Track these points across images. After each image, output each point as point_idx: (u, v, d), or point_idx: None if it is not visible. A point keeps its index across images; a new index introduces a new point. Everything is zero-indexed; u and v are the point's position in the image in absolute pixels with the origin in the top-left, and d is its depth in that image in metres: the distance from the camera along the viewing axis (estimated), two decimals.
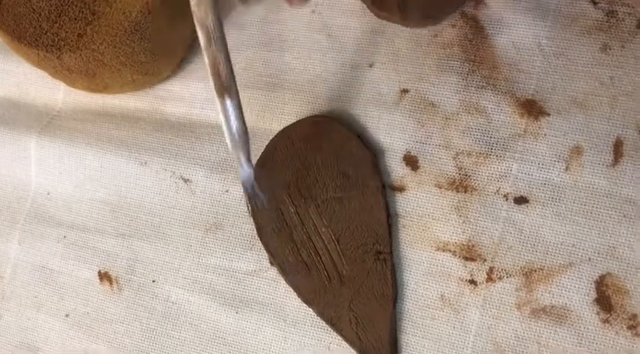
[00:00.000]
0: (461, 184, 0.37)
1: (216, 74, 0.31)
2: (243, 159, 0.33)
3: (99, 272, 0.42)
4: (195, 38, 0.43)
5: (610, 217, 0.35)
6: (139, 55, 0.39)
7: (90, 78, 0.40)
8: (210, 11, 0.29)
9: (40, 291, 0.43)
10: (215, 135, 0.42)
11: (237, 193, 0.41)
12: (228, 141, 0.32)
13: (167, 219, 0.42)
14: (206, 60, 0.31)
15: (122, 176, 0.43)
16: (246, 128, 0.32)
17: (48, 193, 0.44)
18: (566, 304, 0.35)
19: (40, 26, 0.37)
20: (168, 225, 0.42)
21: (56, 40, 0.37)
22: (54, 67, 0.39)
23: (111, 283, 0.42)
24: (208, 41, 0.30)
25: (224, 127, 0.32)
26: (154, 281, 0.41)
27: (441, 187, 0.38)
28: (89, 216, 0.43)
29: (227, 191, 0.41)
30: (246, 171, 0.33)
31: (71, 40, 0.37)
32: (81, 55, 0.37)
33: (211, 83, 0.31)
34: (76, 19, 0.37)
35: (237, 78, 0.42)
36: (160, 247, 0.41)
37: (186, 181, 0.42)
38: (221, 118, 0.32)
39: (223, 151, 0.42)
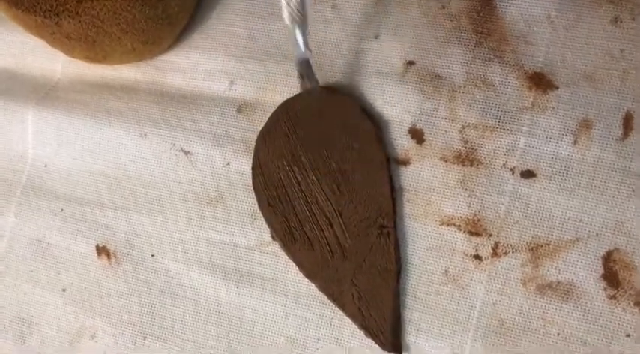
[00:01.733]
0: (467, 158, 0.37)
1: None
2: (300, 38, 0.32)
3: (97, 246, 0.41)
4: (197, 7, 0.42)
5: (618, 191, 0.35)
6: (139, 22, 0.38)
7: (89, 46, 0.39)
8: None
9: (36, 265, 0.42)
10: (216, 107, 0.41)
11: (239, 166, 0.40)
12: (286, 19, 0.31)
13: (167, 192, 0.41)
14: None
15: (121, 148, 0.42)
16: (305, 8, 0.31)
17: (45, 166, 0.44)
18: (572, 279, 0.34)
19: None
20: (168, 198, 0.41)
21: (55, 5, 0.36)
22: (52, 34, 0.38)
23: (109, 257, 0.41)
24: None
25: (283, 5, 0.31)
26: (152, 255, 0.40)
27: (446, 161, 0.37)
28: (87, 189, 0.42)
29: (228, 164, 0.40)
30: (302, 50, 0.32)
31: (70, 6, 0.36)
32: (80, 21, 0.36)
33: None
34: None
35: (241, 50, 0.42)
36: (159, 221, 0.41)
37: (186, 153, 0.41)
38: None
39: (225, 123, 0.41)
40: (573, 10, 0.37)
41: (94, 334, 0.40)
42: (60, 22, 0.37)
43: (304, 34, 0.32)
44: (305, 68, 0.33)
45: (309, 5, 0.32)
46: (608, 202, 0.35)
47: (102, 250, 0.41)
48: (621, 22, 0.36)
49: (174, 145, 0.41)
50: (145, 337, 0.39)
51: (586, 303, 0.34)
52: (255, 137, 0.39)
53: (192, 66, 0.42)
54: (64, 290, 0.41)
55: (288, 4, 0.31)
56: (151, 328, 0.39)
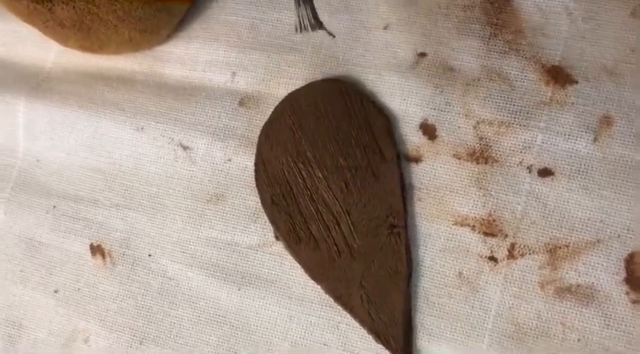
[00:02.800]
0: (481, 155, 0.35)
1: None
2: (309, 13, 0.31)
3: (91, 245, 0.39)
4: None
5: None
6: (136, 10, 0.36)
7: (84, 34, 0.37)
8: None
9: (26, 265, 0.40)
10: (217, 100, 0.39)
11: (241, 162, 0.38)
12: None
13: (165, 189, 0.39)
14: None
15: (117, 142, 0.40)
16: None
17: (37, 160, 0.41)
18: (593, 283, 0.33)
19: None
20: (166, 195, 0.39)
21: None
22: (45, 21, 0.36)
23: (103, 257, 0.39)
24: None
25: None
26: (149, 255, 0.38)
27: (460, 158, 0.35)
28: (81, 185, 0.40)
29: (230, 160, 0.38)
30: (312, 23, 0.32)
31: None
32: (74, 7, 0.35)
33: None
34: None
35: (244, 40, 0.40)
36: (156, 219, 0.39)
37: (185, 148, 0.39)
38: None
39: (226, 116, 0.39)
40: (592, 1, 0.35)
41: (88, 338, 0.38)
42: (53, 9, 0.35)
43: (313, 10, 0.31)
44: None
45: None
46: (630, 202, 0.33)
47: (96, 250, 0.39)
48: None
49: (172, 139, 0.39)
50: (141, 342, 0.37)
51: (607, 307, 0.32)
52: (258, 132, 0.38)
53: (192, 57, 0.40)
54: (55, 292, 0.39)
55: None
56: (148, 333, 0.37)
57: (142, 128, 0.40)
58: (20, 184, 0.41)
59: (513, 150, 0.35)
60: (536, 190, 0.34)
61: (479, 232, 0.34)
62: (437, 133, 0.36)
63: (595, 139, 0.34)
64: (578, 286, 0.33)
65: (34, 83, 0.42)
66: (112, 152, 0.40)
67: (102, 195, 0.40)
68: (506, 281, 0.34)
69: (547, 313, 0.33)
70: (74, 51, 0.41)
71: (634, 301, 0.32)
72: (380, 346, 0.34)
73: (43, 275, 0.40)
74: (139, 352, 0.37)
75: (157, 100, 0.40)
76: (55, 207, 0.41)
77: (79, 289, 0.39)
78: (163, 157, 0.39)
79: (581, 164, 0.34)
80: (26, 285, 0.40)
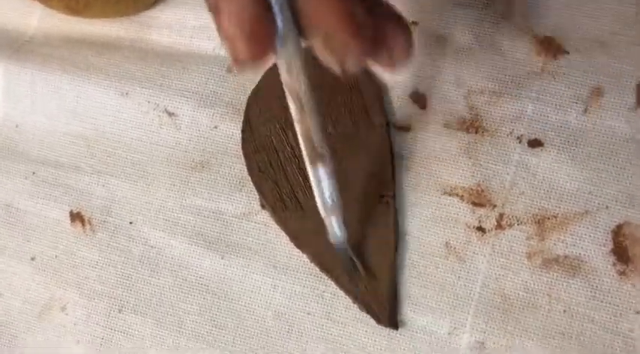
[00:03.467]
0: (472, 125, 0.35)
1: (309, 142, 0.28)
2: (335, 225, 0.32)
3: (70, 212, 0.38)
4: None
5: (630, 163, 0.33)
6: None
7: None
8: (302, 79, 0.26)
9: (3, 232, 0.39)
10: (205, 66, 0.38)
11: (227, 130, 0.37)
12: (320, 206, 0.31)
13: (148, 156, 0.38)
14: (298, 128, 0.28)
15: (100, 108, 0.39)
16: (338, 194, 0.31)
17: (17, 126, 0.40)
18: (580, 254, 0.32)
19: None
20: (150, 162, 0.38)
21: None
22: None
23: (83, 224, 0.38)
24: (301, 109, 0.27)
25: (316, 193, 0.30)
26: (131, 223, 0.38)
27: (450, 128, 0.35)
28: (62, 151, 0.39)
29: (216, 127, 0.38)
30: (340, 236, 0.32)
31: None
32: None
33: (303, 151, 0.29)
34: None
35: None
36: (139, 186, 0.38)
37: (170, 114, 0.38)
38: (313, 185, 0.30)
39: (213, 83, 0.38)
40: None
41: (65, 307, 0.37)
42: None
43: (340, 222, 0.32)
44: (344, 250, 0.33)
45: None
46: (619, 174, 0.33)
47: (76, 217, 0.38)
48: None
49: (157, 105, 0.38)
50: (119, 310, 0.37)
51: (594, 279, 0.32)
52: (246, 99, 0.37)
53: (179, 22, 0.40)
54: (32, 259, 0.38)
55: (322, 197, 0.31)
56: (127, 301, 0.37)
57: (126, 93, 0.39)
58: None
59: (504, 120, 0.34)
60: (526, 160, 0.34)
61: (467, 202, 0.34)
62: (427, 102, 0.35)
63: (585, 110, 0.34)
64: (566, 257, 0.33)
65: (15, 47, 0.41)
66: (95, 118, 0.39)
67: (83, 161, 0.39)
68: (494, 252, 0.33)
69: (534, 284, 0.33)
70: (58, 15, 0.40)
71: (620, 273, 0.32)
72: (365, 315, 0.34)
73: (20, 242, 0.39)
74: (118, 320, 0.36)
75: (143, 66, 0.39)
76: (34, 173, 0.39)
77: (56, 256, 0.38)
78: (148, 124, 0.38)
79: (570, 135, 0.34)
80: (2, 252, 0.39)
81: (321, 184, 0.30)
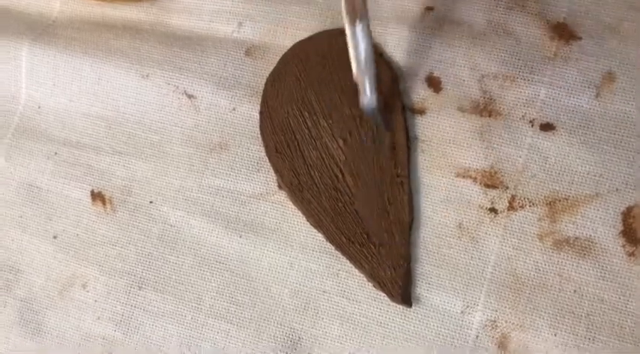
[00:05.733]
0: (485, 108, 0.35)
1: (351, 0, 0.30)
2: (367, 86, 0.33)
3: (91, 192, 0.39)
4: None
5: None
6: None
7: None
8: None
9: (26, 210, 0.40)
10: (223, 49, 0.39)
11: (245, 112, 0.38)
12: (353, 66, 0.32)
13: (168, 137, 0.39)
14: None
15: (121, 90, 0.40)
16: (374, 56, 0.32)
17: (39, 107, 0.41)
18: (590, 235, 0.33)
19: None
20: (169, 143, 0.39)
21: None
22: None
23: (104, 204, 0.39)
24: None
25: (351, 53, 0.31)
26: (151, 202, 0.38)
27: (464, 111, 0.36)
28: (83, 132, 0.40)
29: (234, 109, 0.38)
30: (370, 98, 0.33)
31: None
32: None
33: (343, 10, 0.30)
34: None
35: None
36: (159, 167, 0.39)
37: (190, 96, 0.39)
38: (349, 43, 0.31)
39: (232, 66, 0.39)
40: None
41: (86, 284, 0.38)
42: None
43: (372, 83, 0.33)
44: (372, 114, 0.34)
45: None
46: (629, 158, 0.34)
47: (97, 196, 0.39)
48: None
49: (177, 87, 0.39)
50: (139, 288, 0.38)
51: (604, 260, 0.33)
52: (264, 82, 0.38)
53: (198, 6, 0.40)
54: (54, 237, 0.39)
55: (357, 57, 0.32)
56: (147, 278, 0.38)
57: (146, 76, 0.40)
58: (21, 130, 0.41)
59: (517, 104, 0.35)
60: (538, 143, 0.35)
61: (480, 184, 0.35)
62: (442, 86, 0.36)
63: (597, 95, 0.34)
64: (576, 238, 0.33)
65: (38, 30, 0.42)
66: (116, 99, 0.40)
67: (104, 142, 0.40)
68: (506, 232, 0.34)
69: (545, 265, 0.33)
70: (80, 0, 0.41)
71: (630, 254, 0.33)
72: (379, 293, 0.34)
73: (42, 221, 0.40)
74: (138, 297, 0.37)
75: (163, 49, 0.40)
76: (56, 153, 0.40)
77: (78, 234, 0.39)
78: (167, 105, 0.39)
79: (582, 119, 0.34)
80: (25, 230, 0.40)
81: (358, 43, 0.31)
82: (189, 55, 0.39)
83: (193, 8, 0.40)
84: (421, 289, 0.34)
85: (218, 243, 0.37)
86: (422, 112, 0.36)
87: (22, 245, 0.40)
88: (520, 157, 0.35)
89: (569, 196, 0.34)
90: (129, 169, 0.39)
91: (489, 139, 0.35)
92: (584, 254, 0.33)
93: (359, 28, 0.30)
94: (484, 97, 0.36)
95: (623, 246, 0.33)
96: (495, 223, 0.34)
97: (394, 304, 0.34)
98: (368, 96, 0.33)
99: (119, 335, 0.37)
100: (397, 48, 0.37)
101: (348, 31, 0.31)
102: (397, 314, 0.34)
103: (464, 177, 0.35)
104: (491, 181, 0.35)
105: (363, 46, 0.31)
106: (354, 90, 0.36)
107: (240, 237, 0.37)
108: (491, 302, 0.34)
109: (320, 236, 0.36)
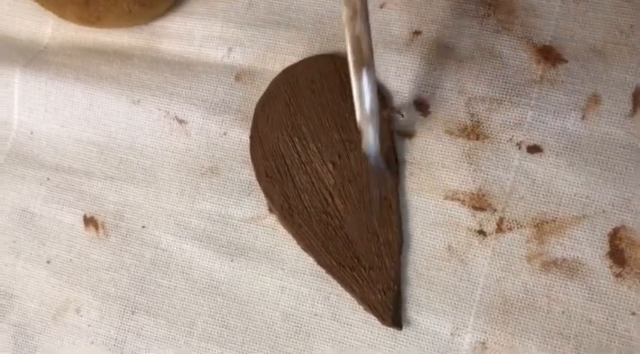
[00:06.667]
0: (473, 131, 0.36)
1: (357, 49, 0.30)
2: (371, 133, 0.33)
3: (84, 217, 0.40)
4: None
5: (626, 168, 0.34)
6: None
7: (82, 6, 0.37)
8: None
9: (19, 236, 0.40)
10: (214, 74, 0.40)
11: (236, 136, 0.39)
12: (358, 113, 0.32)
13: (159, 162, 0.39)
14: (347, 34, 0.29)
15: (112, 115, 0.40)
16: (378, 104, 0.32)
17: (31, 132, 0.42)
18: (578, 257, 0.34)
19: None
20: (161, 168, 0.39)
21: None
22: None
23: (97, 229, 0.39)
24: (354, 15, 0.28)
25: (356, 101, 0.32)
26: (143, 227, 0.39)
27: (451, 134, 0.36)
28: (75, 157, 0.41)
29: (225, 134, 0.39)
30: (373, 146, 0.33)
31: None
32: None
33: (349, 58, 0.30)
34: None
35: (241, 16, 0.40)
36: (150, 192, 0.39)
37: (181, 121, 0.39)
38: (354, 92, 0.31)
39: (222, 91, 0.39)
40: None
41: (79, 309, 0.39)
42: None
43: (376, 130, 0.33)
44: (376, 161, 0.35)
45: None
46: (615, 179, 0.34)
47: (89, 221, 0.40)
48: None
49: (168, 112, 0.40)
50: (133, 312, 0.38)
51: (591, 281, 0.33)
52: (254, 107, 0.38)
53: (189, 32, 0.41)
54: (48, 262, 0.40)
55: (362, 105, 0.32)
56: (140, 303, 0.38)
57: (137, 101, 0.40)
58: (14, 156, 0.42)
59: (504, 127, 0.35)
60: (525, 166, 0.35)
61: (468, 207, 0.35)
62: (430, 109, 0.37)
63: (583, 117, 0.35)
64: (564, 259, 0.34)
65: (30, 56, 0.42)
66: (107, 125, 0.40)
67: (96, 167, 0.40)
68: (495, 254, 0.34)
69: (533, 286, 0.34)
70: (71, 25, 0.41)
71: (617, 275, 0.33)
72: (369, 316, 0.35)
73: (35, 246, 0.40)
74: (131, 321, 0.38)
75: (153, 74, 0.40)
76: (48, 179, 0.41)
77: (71, 259, 0.39)
78: (159, 130, 0.40)
79: (569, 141, 0.35)
80: (18, 256, 0.40)
81: (363, 91, 0.31)
82: (179, 80, 0.40)
83: (184, 34, 0.41)
84: (411, 311, 0.35)
85: (210, 267, 0.37)
86: (410, 135, 0.36)
87: (15, 270, 0.40)
88: (508, 179, 0.35)
89: (556, 217, 0.34)
90: (121, 193, 0.39)
91: (477, 161, 0.35)
92: (572, 275, 0.33)
93: (365, 76, 0.30)
94: (472, 120, 0.36)
95: (610, 267, 0.33)
96: (484, 245, 0.35)
97: (385, 326, 0.34)
98: (371, 143, 0.33)
99: None
100: (386, 72, 0.37)
101: (353, 79, 0.31)
102: (388, 337, 0.35)
103: (452, 199, 0.35)
104: (479, 203, 0.35)
105: (368, 96, 0.31)
106: (342, 114, 0.36)
107: (232, 261, 0.37)
108: (480, 324, 0.34)
109: (311, 260, 0.36)
